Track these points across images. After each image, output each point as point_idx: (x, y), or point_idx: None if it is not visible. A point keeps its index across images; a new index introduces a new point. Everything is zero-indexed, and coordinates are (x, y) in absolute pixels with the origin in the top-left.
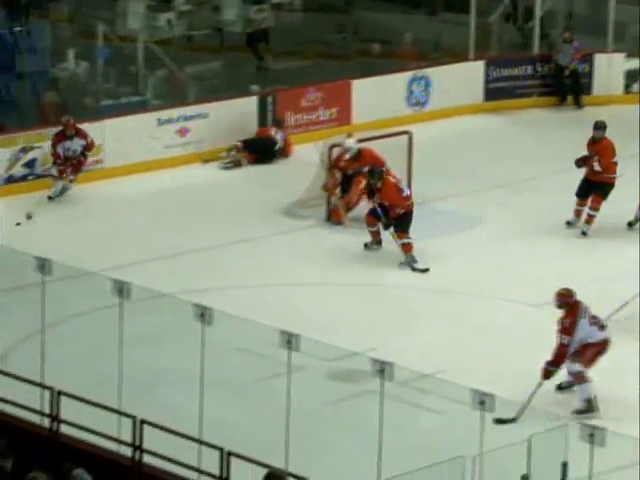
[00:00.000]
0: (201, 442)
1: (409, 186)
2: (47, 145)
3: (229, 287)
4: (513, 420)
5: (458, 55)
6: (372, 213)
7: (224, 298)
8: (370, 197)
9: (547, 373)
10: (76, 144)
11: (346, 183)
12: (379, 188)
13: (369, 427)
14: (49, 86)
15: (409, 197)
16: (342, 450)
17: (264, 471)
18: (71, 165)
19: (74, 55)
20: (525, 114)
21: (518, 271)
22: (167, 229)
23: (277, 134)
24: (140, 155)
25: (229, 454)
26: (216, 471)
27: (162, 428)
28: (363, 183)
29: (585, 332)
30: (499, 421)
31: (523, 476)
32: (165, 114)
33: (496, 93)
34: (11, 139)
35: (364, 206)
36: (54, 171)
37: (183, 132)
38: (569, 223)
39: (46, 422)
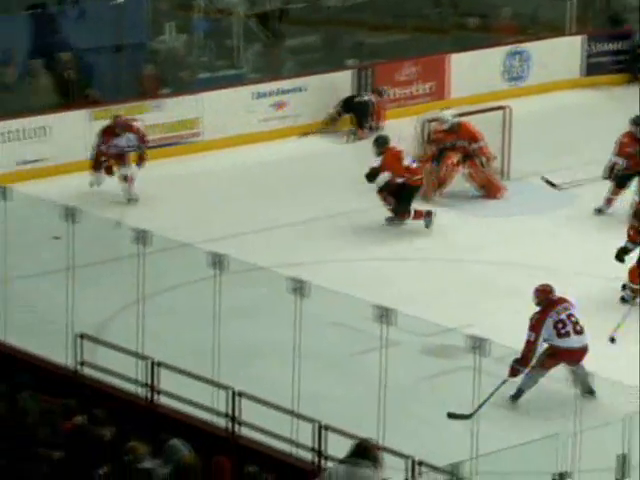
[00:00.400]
0: (296, 415)
1: (507, 161)
2: (145, 117)
3: (324, 261)
4: (468, 416)
5: (557, 29)
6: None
7: (319, 272)
8: None
9: (514, 371)
10: (124, 141)
11: (440, 157)
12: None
13: (463, 402)
14: (147, 59)
15: (413, 170)
16: (435, 425)
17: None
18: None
19: (173, 28)
20: (624, 90)
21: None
22: (264, 202)
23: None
24: (237, 128)
25: (324, 427)
26: (310, 443)
27: (257, 400)
28: (454, 158)
29: (548, 332)
30: (452, 416)
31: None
32: (261, 88)
33: (595, 68)
34: (110, 111)
35: (458, 181)
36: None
37: (279, 106)
38: (599, 211)
39: (144, 392)
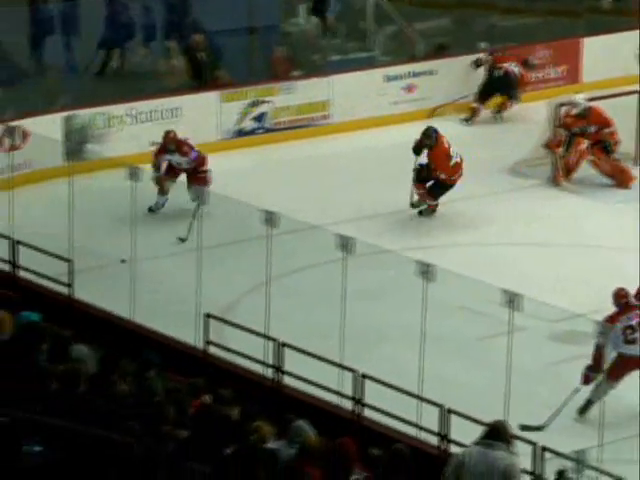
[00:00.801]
0: (421, 398)
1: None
2: (276, 100)
3: (452, 245)
4: (540, 428)
5: None
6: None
7: (447, 256)
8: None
9: (586, 378)
10: (177, 159)
11: (570, 143)
12: (431, 147)
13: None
14: (279, 41)
15: (457, 167)
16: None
17: (482, 429)
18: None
19: (305, 10)
20: None
21: None
22: (392, 185)
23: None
24: (367, 111)
25: (449, 411)
26: (436, 427)
27: (383, 383)
28: (585, 144)
29: (616, 338)
30: (525, 428)
31: None
32: (393, 70)
33: None
34: (242, 93)
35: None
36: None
37: (411, 89)
38: None
39: (270, 373)
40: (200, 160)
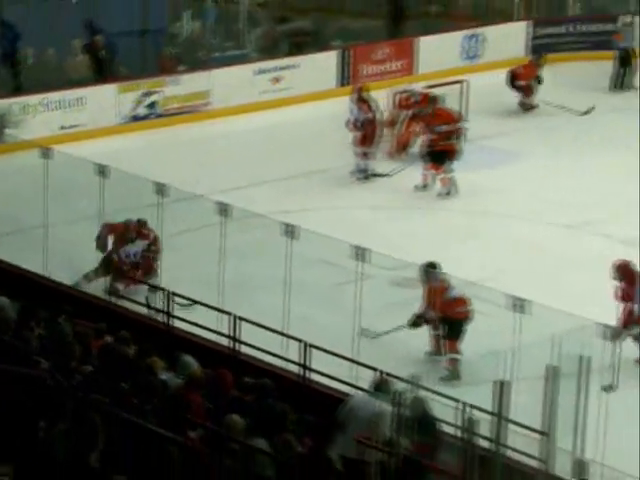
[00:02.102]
0: (286, 335)
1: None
2: (165, 90)
3: (309, 209)
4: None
5: (506, 16)
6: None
7: (306, 218)
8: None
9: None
10: (137, 246)
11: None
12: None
13: None
14: (167, 42)
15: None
16: (402, 342)
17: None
18: (141, 269)
19: (188, 16)
20: (564, 67)
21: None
22: (263, 160)
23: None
24: (241, 99)
25: (310, 345)
26: (298, 359)
27: (255, 323)
28: (414, 126)
29: None
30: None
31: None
32: (262, 65)
33: (540, 49)
34: (136, 85)
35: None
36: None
37: (277, 80)
38: None
39: (162, 318)
40: (154, 238)
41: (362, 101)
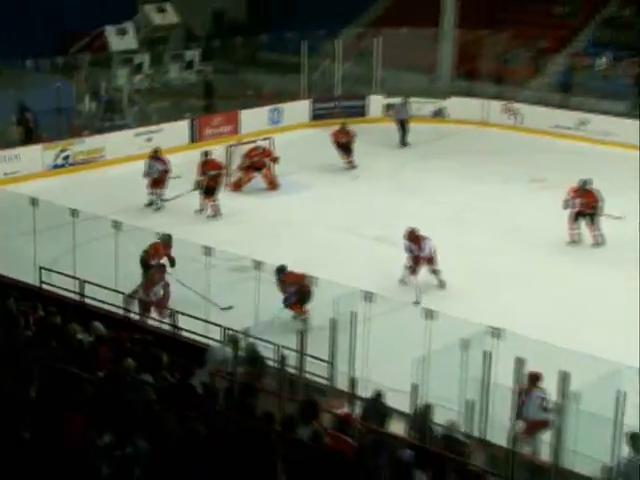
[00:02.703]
0: (162, 306)
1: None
2: (75, 148)
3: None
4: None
5: (297, 96)
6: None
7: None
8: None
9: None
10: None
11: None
12: None
13: (250, 296)
14: (75, 116)
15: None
16: (239, 306)
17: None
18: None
19: (88, 98)
20: (333, 127)
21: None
22: (140, 191)
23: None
24: (125, 153)
25: (176, 312)
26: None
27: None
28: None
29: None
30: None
31: None
32: (139, 130)
33: (317, 116)
34: (54, 145)
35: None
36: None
37: (149, 140)
38: None
39: (78, 298)
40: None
41: (157, 158)
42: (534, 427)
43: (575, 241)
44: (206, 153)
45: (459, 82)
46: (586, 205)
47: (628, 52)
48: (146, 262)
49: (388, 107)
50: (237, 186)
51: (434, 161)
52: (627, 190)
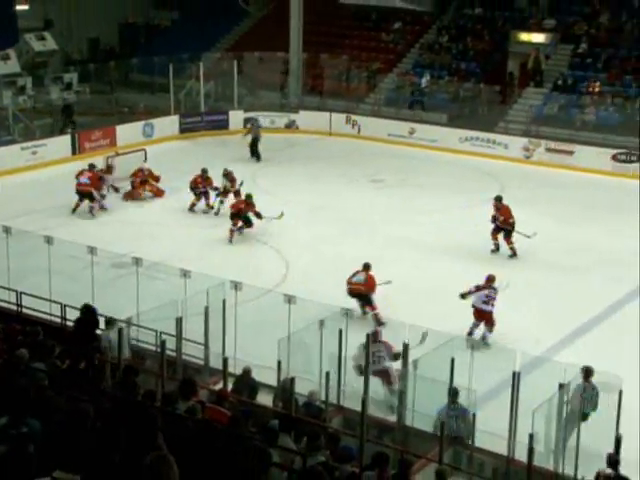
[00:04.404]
0: (48, 300)
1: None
2: None
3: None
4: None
5: (167, 112)
6: None
7: (63, 232)
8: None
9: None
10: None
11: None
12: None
13: (131, 290)
14: None
15: None
16: (121, 299)
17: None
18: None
19: None
20: (198, 140)
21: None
22: (28, 201)
23: None
24: (12, 165)
25: (66, 305)
26: (60, 314)
27: (32, 295)
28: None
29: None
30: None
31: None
32: (24, 145)
33: (185, 129)
34: None
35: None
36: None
37: (34, 153)
38: None
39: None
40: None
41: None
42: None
43: (494, 250)
44: (92, 166)
45: (308, 98)
46: (503, 221)
47: (446, 72)
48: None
49: (246, 121)
50: (130, 196)
51: (284, 166)
52: (445, 187)
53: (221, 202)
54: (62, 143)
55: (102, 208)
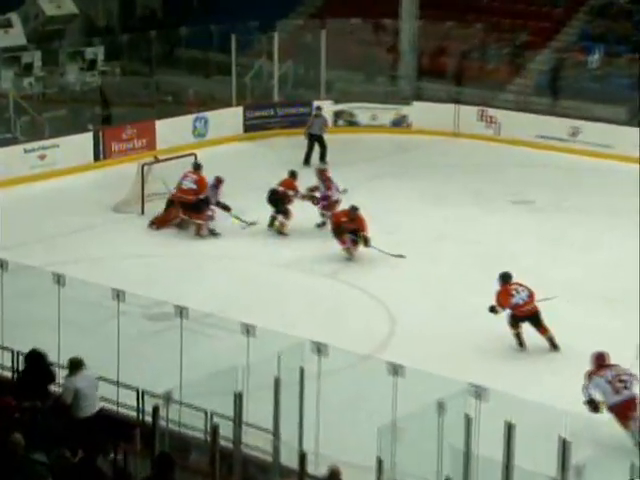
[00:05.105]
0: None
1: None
2: None
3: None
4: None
5: (225, 103)
6: None
7: (75, 268)
8: None
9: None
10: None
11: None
12: None
13: (174, 348)
14: None
15: None
16: (157, 360)
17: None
18: None
19: None
20: (270, 141)
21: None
22: (36, 222)
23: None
24: (15, 173)
25: None
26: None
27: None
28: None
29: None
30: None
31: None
32: (29, 146)
33: (251, 127)
34: None
35: None
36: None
37: (43, 157)
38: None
39: None
40: None
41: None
42: None
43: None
44: (197, 165)
45: (425, 84)
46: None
47: (625, 47)
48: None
49: (337, 115)
50: (168, 221)
51: (392, 180)
52: (622, 212)
53: (323, 213)
54: (81, 144)
55: (212, 233)
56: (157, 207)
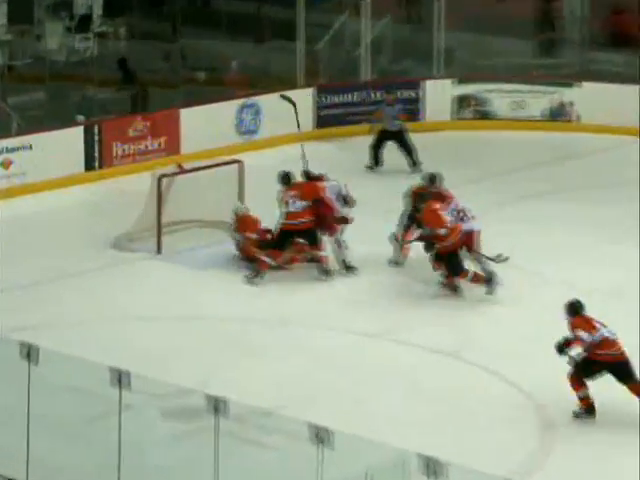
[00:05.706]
0: None
1: None
2: None
3: (59, 323)
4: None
5: (287, 82)
6: None
7: (54, 335)
8: None
9: None
10: None
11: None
12: None
13: (205, 464)
14: None
15: None
16: None
17: None
18: None
19: None
20: (355, 141)
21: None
22: None
23: None
24: None
25: None
26: None
27: None
28: None
29: None
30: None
31: None
32: None
33: (327, 120)
34: None
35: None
36: None
37: (7, 164)
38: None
39: None
40: None
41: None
42: None
43: None
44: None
45: (599, 53)
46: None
47: None
48: None
49: (461, 101)
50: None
51: (546, 204)
52: None
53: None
54: (66, 145)
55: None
56: (179, 242)
